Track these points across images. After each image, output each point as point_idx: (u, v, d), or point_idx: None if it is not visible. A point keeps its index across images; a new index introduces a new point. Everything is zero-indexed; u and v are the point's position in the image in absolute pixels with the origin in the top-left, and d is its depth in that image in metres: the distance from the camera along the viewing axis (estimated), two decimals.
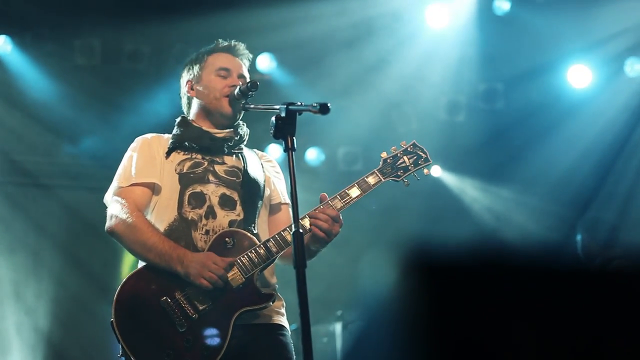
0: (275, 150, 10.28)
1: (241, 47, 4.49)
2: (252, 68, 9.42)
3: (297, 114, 3.53)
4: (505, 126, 10.14)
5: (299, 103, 3.55)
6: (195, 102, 4.40)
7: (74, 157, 9.91)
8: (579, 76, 9.88)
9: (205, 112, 4.35)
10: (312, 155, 10.59)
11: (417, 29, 9.54)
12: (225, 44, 4.47)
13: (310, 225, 3.99)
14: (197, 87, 4.38)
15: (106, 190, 4.30)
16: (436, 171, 10.40)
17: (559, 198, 10.09)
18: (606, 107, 9.87)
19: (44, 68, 9.26)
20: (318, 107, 3.42)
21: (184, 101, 4.50)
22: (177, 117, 4.47)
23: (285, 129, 3.50)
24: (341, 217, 4.05)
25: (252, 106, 4.18)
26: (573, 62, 9.86)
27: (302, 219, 3.98)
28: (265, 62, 9.81)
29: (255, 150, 4.56)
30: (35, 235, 9.61)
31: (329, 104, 3.43)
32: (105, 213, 4.18)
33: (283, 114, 3.51)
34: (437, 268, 1.82)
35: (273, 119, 3.52)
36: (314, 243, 4.05)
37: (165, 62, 9.28)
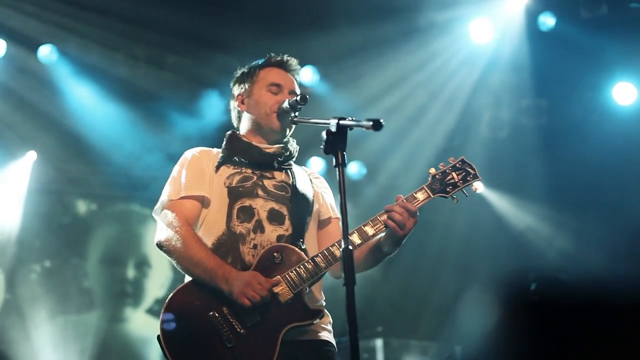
0: (317, 163, 10.30)
1: (293, 62, 4.45)
2: None
3: (348, 129, 3.47)
4: (549, 142, 10.03)
5: (351, 118, 3.49)
6: (246, 116, 4.37)
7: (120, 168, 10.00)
8: (624, 93, 9.75)
9: (256, 126, 4.32)
10: (354, 169, 10.56)
11: (462, 43, 9.51)
12: (278, 58, 4.43)
13: (386, 218, 3.97)
14: (248, 101, 4.35)
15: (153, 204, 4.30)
16: (479, 187, 10.32)
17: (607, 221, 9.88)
18: None
19: (88, 77, 9.31)
20: (371, 123, 3.36)
21: (234, 114, 4.47)
22: (218, 128, 4.45)
23: (335, 144, 3.43)
24: (418, 214, 4.02)
25: (302, 120, 4.15)
26: (618, 79, 9.74)
27: (356, 230, 4.00)
28: (308, 75, 9.82)
29: (304, 167, 4.53)
30: None
31: (382, 120, 3.36)
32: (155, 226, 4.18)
33: (334, 129, 3.45)
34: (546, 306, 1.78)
35: (324, 133, 3.45)
36: (387, 240, 4.04)
37: (206, 73, 9.31)
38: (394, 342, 9.22)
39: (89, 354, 9.86)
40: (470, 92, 9.79)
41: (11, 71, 9.11)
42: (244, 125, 4.39)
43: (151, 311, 10.41)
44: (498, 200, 10.47)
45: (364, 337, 8.86)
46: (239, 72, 4.48)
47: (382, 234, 4.08)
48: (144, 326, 10.33)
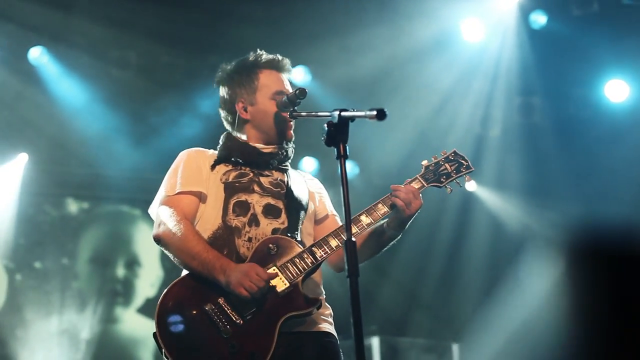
0: (310, 163, 10.30)
1: (287, 62, 4.40)
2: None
3: (350, 120, 3.46)
4: (541, 140, 10.04)
5: (352, 109, 3.48)
6: (249, 124, 4.31)
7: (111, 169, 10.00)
8: (616, 90, 9.77)
9: (261, 132, 4.29)
10: (347, 168, 10.55)
11: (453, 42, 9.51)
12: (271, 57, 4.37)
13: (391, 198, 4.06)
14: (252, 110, 4.28)
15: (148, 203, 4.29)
16: (471, 186, 10.38)
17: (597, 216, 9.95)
18: None
19: (79, 79, 9.28)
20: (375, 113, 3.34)
21: (230, 119, 4.37)
22: (211, 128, 4.43)
23: (337, 136, 3.42)
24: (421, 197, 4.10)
25: (302, 114, 4.14)
26: (610, 76, 9.76)
27: (360, 214, 4.06)
28: (300, 76, 9.82)
29: (299, 170, 4.53)
30: None
31: (385, 110, 3.35)
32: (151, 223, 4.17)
33: (335, 121, 3.44)
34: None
35: (325, 125, 3.44)
36: (392, 222, 4.09)
37: (200, 73, 9.28)
38: (390, 340, 9.23)
39: (82, 355, 9.84)
40: (461, 91, 9.80)
41: (1, 73, 9.06)
42: (246, 131, 4.32)
43: (142, 310, 10.40)
44: (489, 197, 10.51)
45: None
46: (232, 73, 4.37)
47: (380, 222, 4.12)
48: (135, 326, 10.34)
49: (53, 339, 9.72)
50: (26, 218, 9.98)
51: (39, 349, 9.58)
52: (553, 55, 9.53)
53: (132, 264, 10.60)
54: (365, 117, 3.40)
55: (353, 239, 3.31)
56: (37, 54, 9.22)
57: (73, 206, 10.58)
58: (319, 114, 3.80)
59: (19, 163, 9.79)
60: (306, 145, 10.11)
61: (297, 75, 9.83)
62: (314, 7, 9.06)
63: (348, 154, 3.44)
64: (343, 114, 3.45)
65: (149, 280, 10.58)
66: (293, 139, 4.33)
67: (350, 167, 10.57)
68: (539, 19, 9.43)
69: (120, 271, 10.55)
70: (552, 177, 10.13)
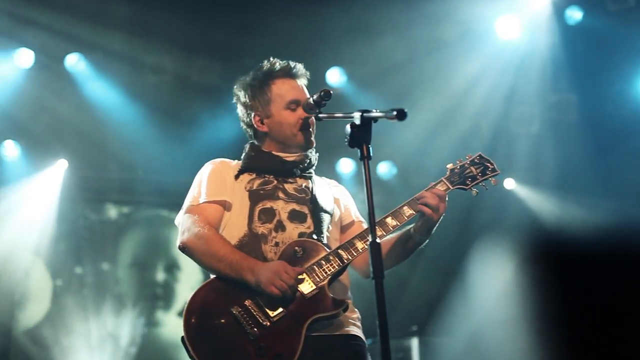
0: (347, 165, 10.30)
1: (301, 68, 4.38)
2: (322, 82, 9.52)
3: (373, 121, 3.44)
4: (580, 136, 9.93)
5: (375, 110, 3.47)
6: (267, 136, 4.32)
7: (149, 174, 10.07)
8: None
9: (279, 144, 4.30)
10: (384, 168, 10.52)
11: (488, 40, 9.45)
12: (284, 65, 4.35)
13: (418, 205, 4.02)
14: (268, 122, 4.29)
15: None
16: (510, 184, 10.33)
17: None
18: None
19: (116, 85, 9.37)
20: (395, 112, 3.34)
21: (250, 132, 4.40)
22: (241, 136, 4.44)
23: (360, 137, 3.41)
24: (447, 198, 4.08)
25: (325, 115, 4.11)
26: None
27: (377, 222, 3.98)
28: (335, 77, 9.83)
29: (324, 177, 4.52)
30: None
31: (405, 110, 3.34)
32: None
33: (358, 122, 3.42)
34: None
35: (348, 127, 3.42)
36: (420, 228, 4.06)
37: (235, 76, 9.30)
38: (429, 340, 9.17)
39: (123, 359, 9.92)
40: (499, 89, 9.73)
41: (40, 81, 9.18)
42: (266, 142, 4.34)
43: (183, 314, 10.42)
44: (527, 194, 10.42)
45: (398, 337, 8.80)
46: (246, 87, 4.36)
47: (406, 227, 4.10)
48: (176, 329, 10.39)
49: (94, 343, 9.81)
50: (66, 224, 10.08)
51: (80, 354, 9.67)
52: (589, 51, 9.43)
53: (172, 267, 10.67)
54: (385, 117, 3.38)
55: (378, 240, 3.30)
56: (74, 61, 9.33)
57: (112, 211, 10.69)
58: (343, 115, 3.79)
59: (59, 169, 9.91)
60: (344, 147, 10.16)
61: (333, 77, 9.85)
62: (347, 9, 9.05)
63: (371, 154, 3.41)
64: (365, 115, 3.44)
65: (189, 284, 10.64)
66: (314, 145, 4.32)
67: (388, 168, 10.56)
68: (575, 14, 9.35)
69: (160, 275, 10.62)
70: (586, 174, 10.00)
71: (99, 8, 8.96)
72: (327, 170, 10.01)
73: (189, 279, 10.65)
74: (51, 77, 9.27)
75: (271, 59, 4.38)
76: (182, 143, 9.66)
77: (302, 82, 4.39)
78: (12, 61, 9.05)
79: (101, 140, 9.69)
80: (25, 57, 9.08)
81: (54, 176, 9.88)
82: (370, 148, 3.42)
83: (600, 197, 9.86)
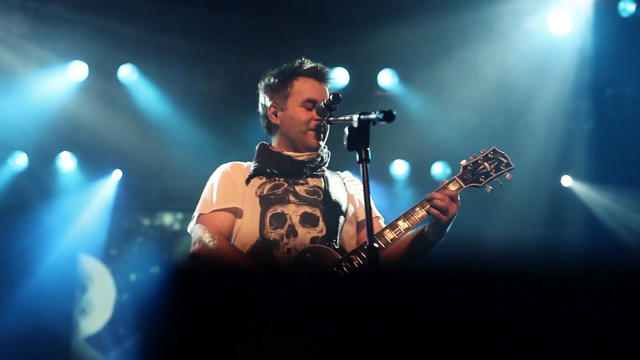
0: (401, 167, 10.24)
1: (327, 72, 4.40)
2: (374, 85, 9.48)
3: (372, 123, 3.38)
4: (636, 132, 9.68)
5: (373, 112, 3.39)
6: (279, 130, 4.35)
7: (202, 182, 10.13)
8: None
9: (289, 141, 4.32)
10: (438, 169, 10.41)
11: (540, 35, 9.27)
12: (311, 65, 4.38)
13: (428, 207, 3.97)
14: (282, 115, 4.32)
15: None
16: (567, 181, 10.15)
17: None
18: None
19: (168, 94, 9.46)
20: (382, 115, 3.28)
21: (264, 123, 4.45)
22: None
23: (358, 140, 3.37)
24: (459, 198, 4.02)
25: (333, 119, 4.13)
26: None
27: (389, 225, 4.02)
28: (387, 79, 9.77)
29: (338, 172, 4.49)
30: None
31: (394, 112, 3.27)
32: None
33: (355, 125, 3.39)
34: None
35: (346, 129, 3.40)
36: (431, 229, 4.00)
37: None
38: None
39: None
40: (551, 85, 9.54)
41: (94, 93, 9.31)
42: (276, 137, 4.37)
43: None
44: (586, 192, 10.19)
45: None
46: (270, 78, 4.42)
47: (420, 226, 4.04)
48: None
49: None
50: (120, 231, 10.22)
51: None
52: None
53: None
54: (375, 119, 3.32)
55: (376, 245, 3.27)
56: (127, 72, 9.45)
57: (168, 218, 10.78)
58: (346, 118, 3.75)
59: (114, 179, 10.08)
60: (397, 148, 10.11)
61: (385, 79, 9.78)
62: (400, 14, 8.99)
63: (370, 157, 3.36)
64: (362, 117, 3.39)
65: None
66: (321, 147, 4.30)
67: (442, 169, 10.41)
68: (628, 6, 9.12)
69: None
70: None
71: (151, 17, 9.04)
72: (381, 172, 9.96)
73: None
74: (105, 88, 9.37)
75: (303, 58, 4.42)
76: (234, 149, 9.66)
77: (326, 85, 4.39)
78: (66, 75, 9.20)
79: (154, 149, 9.77)
80: (79, 70, 9.23)
81: (110, 186, 10.03)
82: (369, 151, 3.36)
83: None
